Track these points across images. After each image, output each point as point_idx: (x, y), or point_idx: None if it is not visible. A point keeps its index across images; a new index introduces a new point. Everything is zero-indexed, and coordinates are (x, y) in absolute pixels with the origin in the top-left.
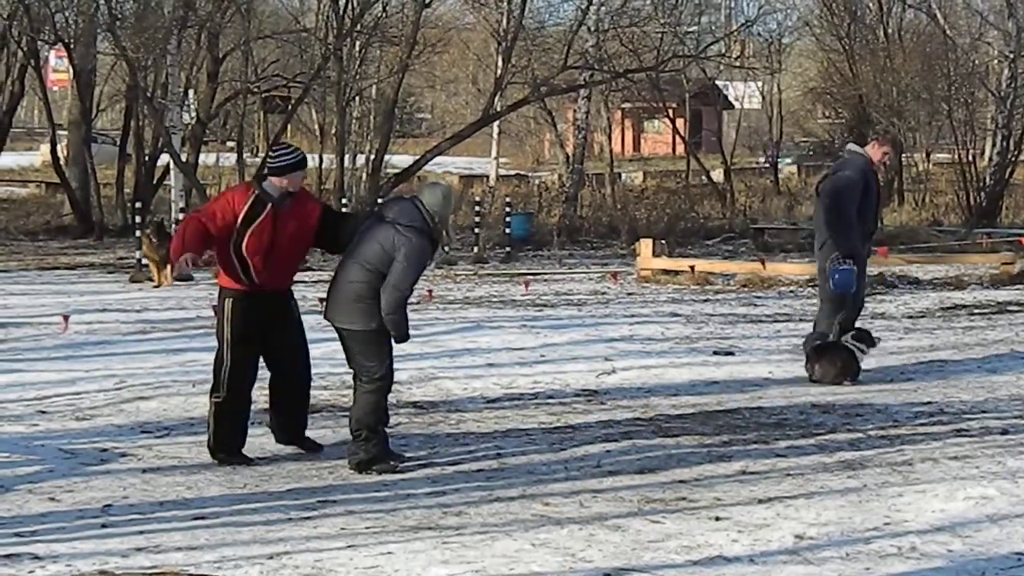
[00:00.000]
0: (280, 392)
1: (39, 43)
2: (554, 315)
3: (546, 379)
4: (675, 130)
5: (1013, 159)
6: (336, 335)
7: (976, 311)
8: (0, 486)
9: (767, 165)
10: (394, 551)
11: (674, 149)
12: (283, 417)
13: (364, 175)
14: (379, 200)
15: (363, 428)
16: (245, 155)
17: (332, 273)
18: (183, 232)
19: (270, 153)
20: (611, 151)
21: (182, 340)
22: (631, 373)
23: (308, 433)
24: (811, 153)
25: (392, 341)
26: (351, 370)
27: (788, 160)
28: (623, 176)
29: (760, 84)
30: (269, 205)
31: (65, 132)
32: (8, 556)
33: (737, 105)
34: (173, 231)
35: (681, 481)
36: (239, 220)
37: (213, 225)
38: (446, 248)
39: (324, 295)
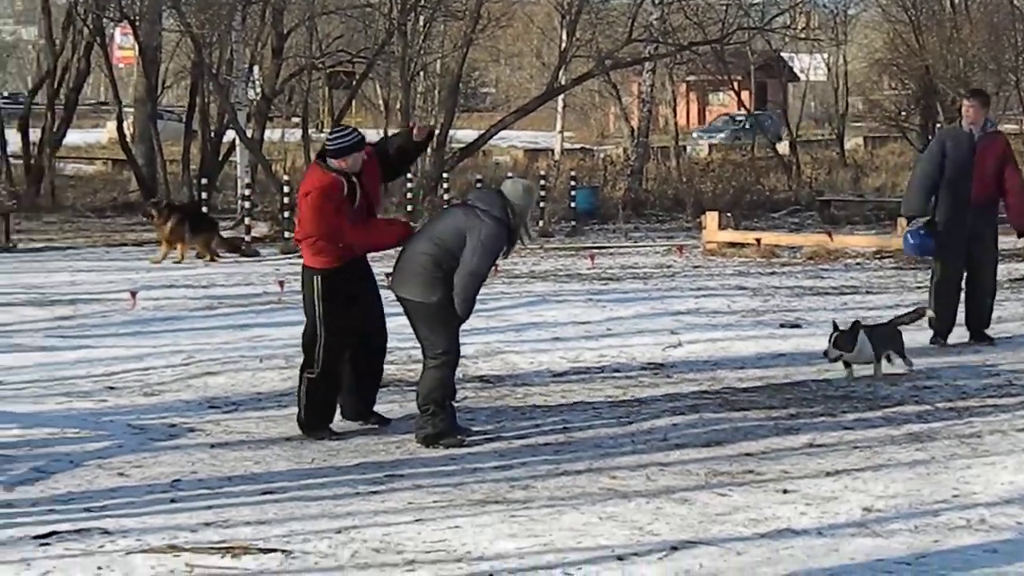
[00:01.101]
0: (360, 365)
1: (104, 20)
2: (620, 288)
3: (612, 352)
4: (740, 102)
5: None
6: (401, 308)
7: None
8: (70, 462)
9: (833, 137)
10: (461, 525)
11: None
12: (357, 391)
13: (429, 150)
14: (443, 175)
15: (430, 403)
16: (310, 131)
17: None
18: (370, 233)
19: (328, 137)
20: (676, 124)
21: (249, 315)
22: (697, 346)
23: (376, 408)
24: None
25: (452, 314)
26: (419, 345)
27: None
28: (688, 149)
29: (825, 55)
30: (352, 179)
31: (131, 109)
32: (78, 531)
33: (802, 77)
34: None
35: (748, 454)
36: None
37: (346, 217)
38: (523, 241)
39: (391, 269)
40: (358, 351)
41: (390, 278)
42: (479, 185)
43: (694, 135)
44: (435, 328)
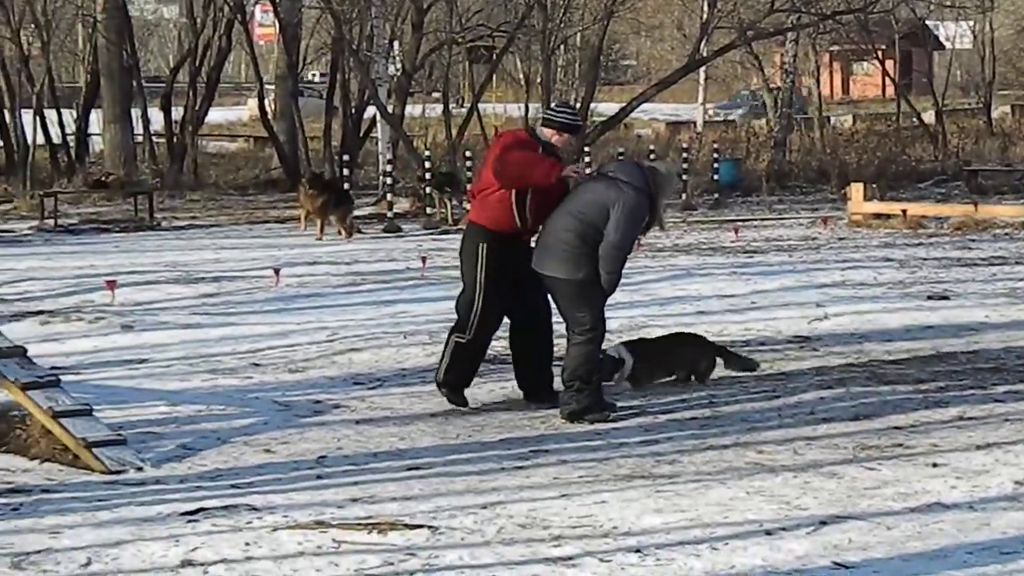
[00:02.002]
0: (525, 343)
1: None
2: (764, 261)
3: (758, 326)
4: (885, 72)
5: None
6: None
7: None
8: (217, 438)
9: (980, 106)
10: (607, 500)
11: (884, 91)
12: (529, 370)
13: None
14: (585, 148)
15: (575, 379)
16: (451, 106)
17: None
18: (528, 158)
19: (554, 106)
20: (820, 95)
21: (392, 292)
22: (844, 319)
23: (513, 383)
24: None
25: (597, 290)
26: (563, 321)
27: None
28: (832, 120)
29: (971, 23)
30: (547, 152)
31: (272, 86)
32: (226, 507)
33: (948, 45)
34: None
35: (897, 427)
36: None
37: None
38: (661, 226)
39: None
40: (520, 327)
41: (533, 257)
42: (620, 158)
43: (710, 111)
44: (581, 305)
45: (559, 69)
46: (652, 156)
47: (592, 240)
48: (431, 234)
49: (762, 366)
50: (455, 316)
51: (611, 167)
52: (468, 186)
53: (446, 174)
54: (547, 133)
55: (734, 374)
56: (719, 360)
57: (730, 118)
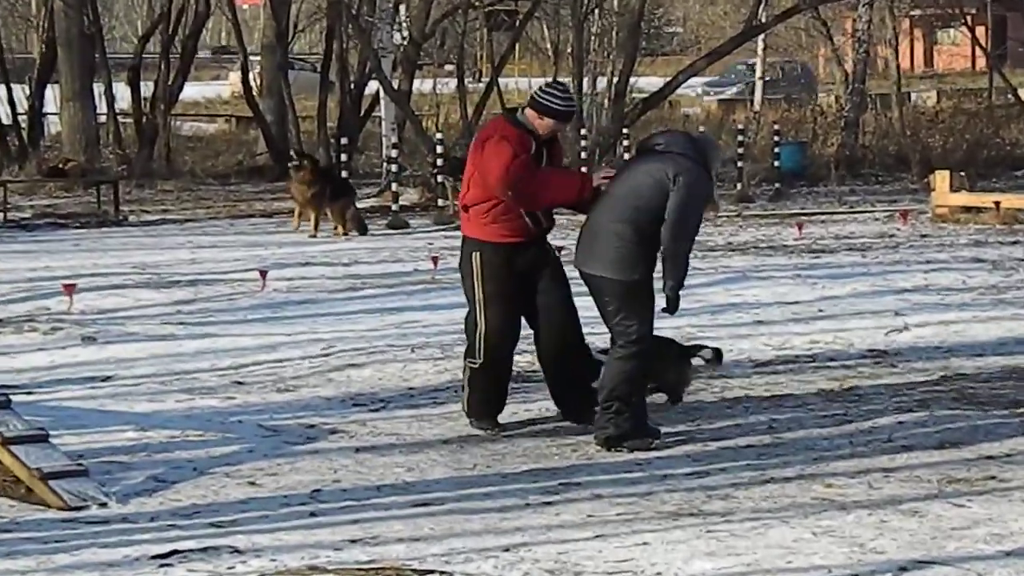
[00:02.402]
0: (551, 358)
1: None
2: (834, 262)
3: (826, 338)
4: (975, 40)
5: None
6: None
7: None
8: (193, 469)
9: None
10: (650, 541)
11: (974, 63)
12: (563, 388)
13: (606, 101)
14: (623, 130)
15: (613, 399)
16: (466, 81)
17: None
18: (551, 180)
19: (543, 87)
20: (898, 67)
21: (398, 298)
22: (927, 330)
23: (540, 404)
24: None
25: (650, 296)
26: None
27: None
28: (913, 96)
29: None
30: (540, 145)
31: (258, 58)
32: (204, 549)
33: None
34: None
35: (989, 457)
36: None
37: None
38: (712, 211)
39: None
40: (542, 340)
41: (574, 253)
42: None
43: (699, 90)
44: (631, 312)
45: (593, 37)
46: (701, 128)
47: (650, 231)
48: (443, 230)
49: (830, 385)
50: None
51: (658, 139)
52: None
53: (462, 160)
54: (529, 115)
55: (797, 394)
56: (703, 364)
57: (722, 97)
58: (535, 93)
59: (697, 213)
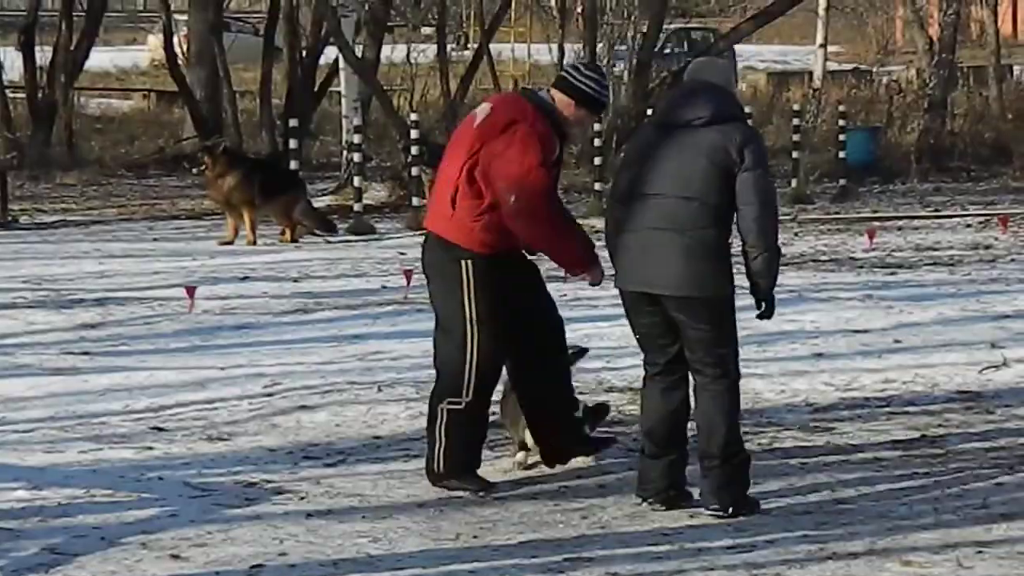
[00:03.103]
0: (543, 389)
1: None
2: (914, 280)
3: (903, 376)
4: None
5: None
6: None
7: None
8: (101, 538)
9: None
10: None
11: None
12: (549, 424)
13: (626, 74)
14: (648, 110)
15: (735, 452)
16: (449, 48)
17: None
18: (563, 231)
19: (577, 66)
20: (997, 33)
21: (361, 322)
22: None
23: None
24: None
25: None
26: (693, 363)
27: None
28: (1016, 71)
29: None
30: (562, 141)
31: (184, 17)
32: None
33: None
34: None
35: None
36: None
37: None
38: None
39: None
40: (527, 368)
41: (623, 270)
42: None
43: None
44: (724, 335)
45: None
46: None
47: (726, 229)
48: (419, 236)
49: (909, 435)
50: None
51: (688, 109)
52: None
53: (444, 147)
54: (559, 100)
55: (867, 445)
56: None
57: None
58: (568, 72)
59: (775, 189)
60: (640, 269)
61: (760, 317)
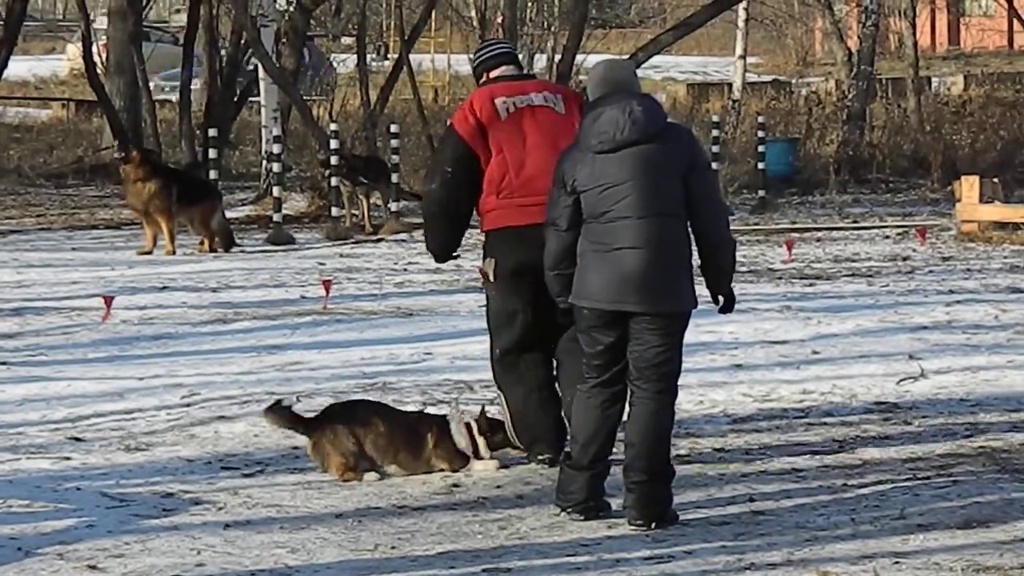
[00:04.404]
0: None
1: None
2: (832, 292)
3: (821, 387)
4: (1013, 11)
5: None
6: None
7: None
8: (18, 548)
9: None
10: None
11: (1011, 41)
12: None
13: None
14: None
15: (668, 459)
16: (369, 58)
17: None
18: None
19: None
20: (915, 45)
21: (279, 333)
22: (949, 377)
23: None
24: None
25: None
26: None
27: None
28: (934, 82)
29: None
30: None
31: (104, 26)
32: None
33: None
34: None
35: None
36: None
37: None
38: None
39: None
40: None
41: (622, 294)
42: None
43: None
44: (679, 348)
45: (530, 4)
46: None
47: (689, 233)
48: (338, 247)
49: (827, 447)
50: (371, 369)
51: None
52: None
53: (363, 158)
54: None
55: (785, 458)
56: None
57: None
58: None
59: None
60: (615, 288)
61: (723, 311)
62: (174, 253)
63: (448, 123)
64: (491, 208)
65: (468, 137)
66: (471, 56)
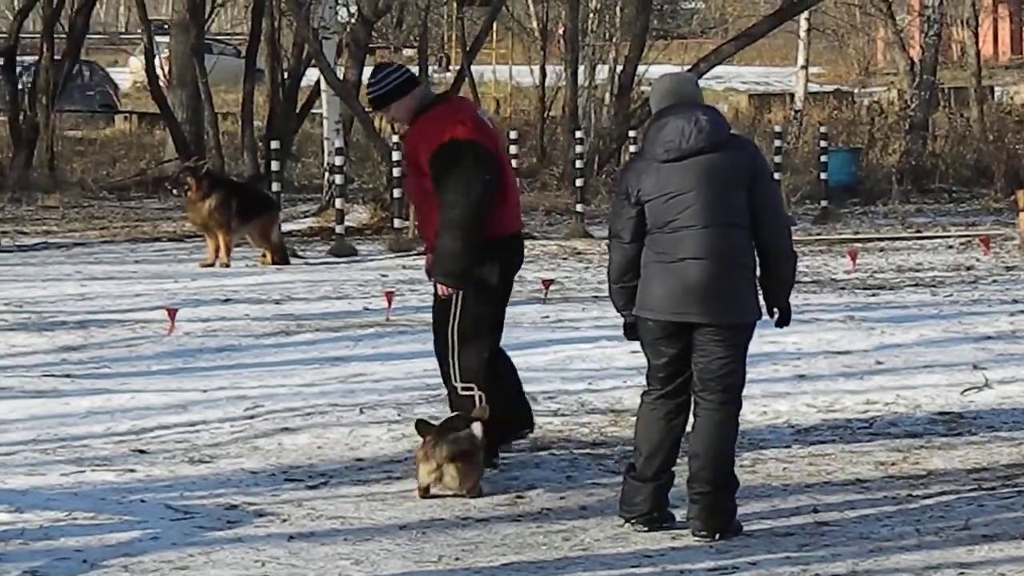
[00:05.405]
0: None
1: None
2: (896, 302)
3: (885, 397)
4: None
5: None
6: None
7: None
8: (83, 561)
9: None
10: None
11: None
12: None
13: (608, 96)
14: (630, 132)
15: (732, 471)
16: (431, 68)
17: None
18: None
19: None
20: (978, 54)
21: (343, 345)
22: (1014, 387)
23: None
24: None
25: None
26: (706, 386)
27: None
28: (997, 92)
29: None
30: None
31: (166, 39)
32: None
33: None
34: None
35: None
36: None
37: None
38: None
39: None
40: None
41: (687, 305)
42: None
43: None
44: (743, 359)
45: (592, 16)
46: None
47: (752, 245)
48: (401, 258)
49: (891, 458)
50: (434, 380)
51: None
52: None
53: None
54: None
55: (849, 469)
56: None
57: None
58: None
59: None
60: (678, 299)
61: (779, 325)
62: (228, 266)
63: (453, 139)
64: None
65: (493, 146)
66: (392, 78)
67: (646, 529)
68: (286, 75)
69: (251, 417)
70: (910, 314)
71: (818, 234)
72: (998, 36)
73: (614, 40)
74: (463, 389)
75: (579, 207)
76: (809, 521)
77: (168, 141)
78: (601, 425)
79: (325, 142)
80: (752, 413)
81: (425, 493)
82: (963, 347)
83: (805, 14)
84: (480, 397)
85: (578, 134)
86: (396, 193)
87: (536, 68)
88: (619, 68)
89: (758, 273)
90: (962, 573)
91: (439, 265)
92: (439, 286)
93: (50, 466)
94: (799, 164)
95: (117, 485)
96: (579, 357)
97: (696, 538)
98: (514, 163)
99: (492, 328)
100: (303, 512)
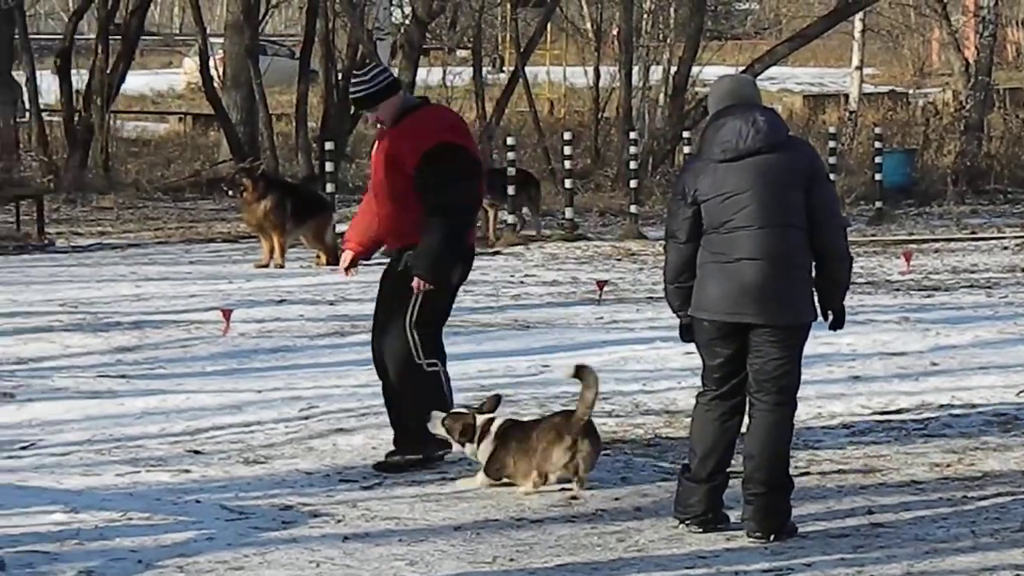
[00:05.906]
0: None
1: None
2: (951, 303)
3: (940, 399)
4: None
5: None
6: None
7: None
8: (139, 561)
9: None
10: None
11: None
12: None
13: (662, 96)
14: (684, 133)
15: (787, 472)
16: (485, 70)
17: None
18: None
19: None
20: None
21: None
22: None
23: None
24: None
25: None
26: (760, 386)
27: None
28: None
29: None
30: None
31: (220, 40)
32: None
33: None
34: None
35: None
36: None
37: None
38: None
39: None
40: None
41: (740, 304)
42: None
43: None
44: (798, 361)
45: (645, 16)
46: None
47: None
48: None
49: (946, 459)
50: (488, 381)
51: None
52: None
53: (500, 171)
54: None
55: (904, 469)
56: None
57: None
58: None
59: None
60: (734, 299)
61: (832, 327)
62: (282, 267)
63: (444, 143)
64: None
65: (477, 153)
66: (381, 77)
67: (700, 530)
68: (340, 76)
69: (306, 418)
70: (965, 315)
71: (873, 235)
72: None
73: (668, 41)
74: (428, 366)
75: (633, 208)
76: (864, 522)
77: (222, 142)
78: (655, 426)
79: None
80: (807, 414)
81: (544, 481)
82: (1018, 348)
83: (860, 15)
84: (445, 373)
85: (632, 135)
86: None
87: (590, 69)
88: (673, 69)
89: (813, 274)
90: (1018, 574)
91: (425, 260)
92: (415, 278)
93: (105, 467)
94: (853, 165)
95: (172, 486)
96: (633, 358)
97: (751, 539)
98: (568, 164)
99: (442, 321)
100: (358, 513)
